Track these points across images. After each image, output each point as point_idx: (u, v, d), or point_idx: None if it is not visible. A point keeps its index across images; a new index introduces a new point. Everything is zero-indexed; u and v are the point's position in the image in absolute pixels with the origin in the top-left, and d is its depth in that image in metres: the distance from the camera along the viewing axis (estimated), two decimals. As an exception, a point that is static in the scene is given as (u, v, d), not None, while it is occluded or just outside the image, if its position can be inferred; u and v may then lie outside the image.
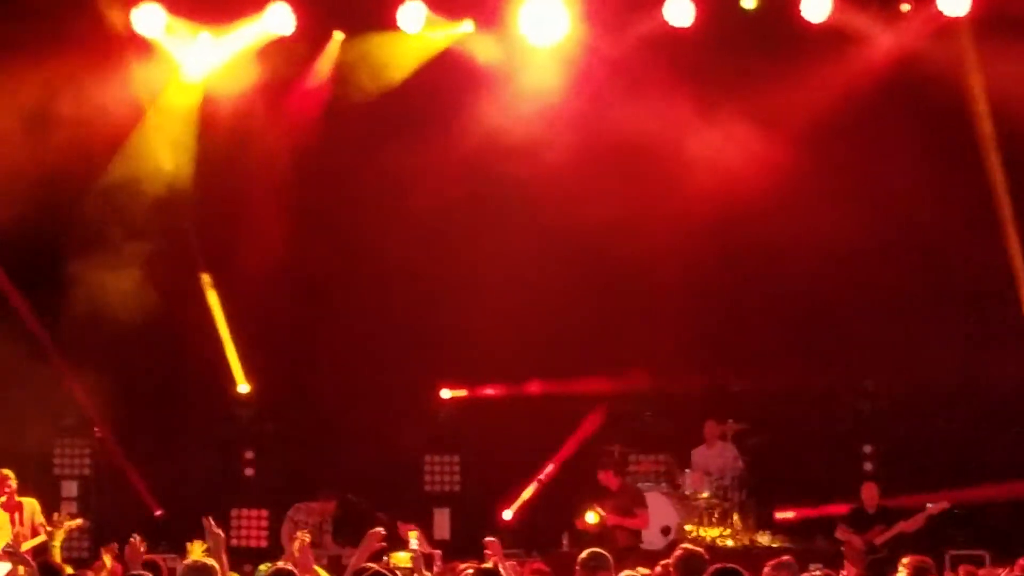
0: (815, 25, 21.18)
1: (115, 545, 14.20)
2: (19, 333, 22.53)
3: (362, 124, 22.11)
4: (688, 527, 20.93)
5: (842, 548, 19.59)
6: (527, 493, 22.06)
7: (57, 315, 23.50)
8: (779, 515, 21.81)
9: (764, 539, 21.25)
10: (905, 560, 13.05)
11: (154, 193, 22.56)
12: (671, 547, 15.95)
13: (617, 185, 21.91)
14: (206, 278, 23.23)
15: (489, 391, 23.36)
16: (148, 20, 21.34)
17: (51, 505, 20.73)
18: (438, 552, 13.92)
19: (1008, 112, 20.83)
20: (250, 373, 23.61)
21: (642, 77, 21.47)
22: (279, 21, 21.55)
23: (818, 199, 21.50)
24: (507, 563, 12.37)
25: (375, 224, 22.28)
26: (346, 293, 23.18)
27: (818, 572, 12.75)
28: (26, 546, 17.31)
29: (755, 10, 21.47)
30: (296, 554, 11.86)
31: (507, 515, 22.91)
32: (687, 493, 21.40)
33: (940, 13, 20.96)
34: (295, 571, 10.49)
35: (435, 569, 11.39)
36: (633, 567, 11.70)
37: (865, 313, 22.30)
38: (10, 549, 12.36)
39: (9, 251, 22.00)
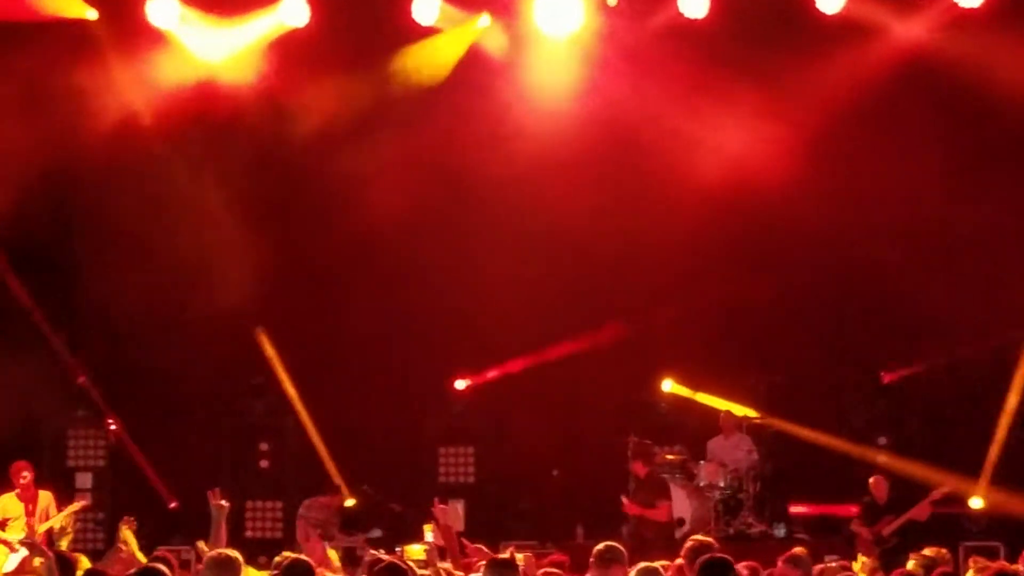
0: (830, 16, 21.11)
1: (133, 519, 14.25)
2: (32, 325, 22.58)
3: (371, 117, 22.10)
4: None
5: (855, 540, 19.64)
6: None
7: (71, 306, 23.56)
8: (793, 509, 21.78)
9: (779, 531, 21.22)
10: (926, 551, 13.08)
11: (168, 181, 22.63)
12: (685, 539, 15.90)
13: (631, 175, 21.93)
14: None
15: (505, 375, 23.28)
16: (162, 11, 21.33)
17: (65, 496, 20.84)
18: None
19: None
20: (265, 365, 23.63)
21: (656, 68, 21.43)
22: (293, 12, 21.54)
23: (834, 190, 21.49)
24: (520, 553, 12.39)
25: (387, 217, 22.24)
26: (359, 285, 23.17)
27: (833, 563, 12.73)
28: (41, 528, 17.42)
29: (770, 1, 21.43)
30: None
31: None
32: (702, 484, 21.39)
33: (955, 4, 20.91)
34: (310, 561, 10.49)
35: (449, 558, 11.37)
36: (655, 558, 11.68)
37: (881, 304, 22.25)
38: (28, 541, 12.40)
39: (21, 244, 22.01)
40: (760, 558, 12.83)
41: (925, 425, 22.44)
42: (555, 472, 23.22)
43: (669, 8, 21.36)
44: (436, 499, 13.33)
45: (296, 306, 23.19)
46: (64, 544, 18.22)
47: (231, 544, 11.52)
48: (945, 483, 19.87)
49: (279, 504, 23.47)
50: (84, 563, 12.94)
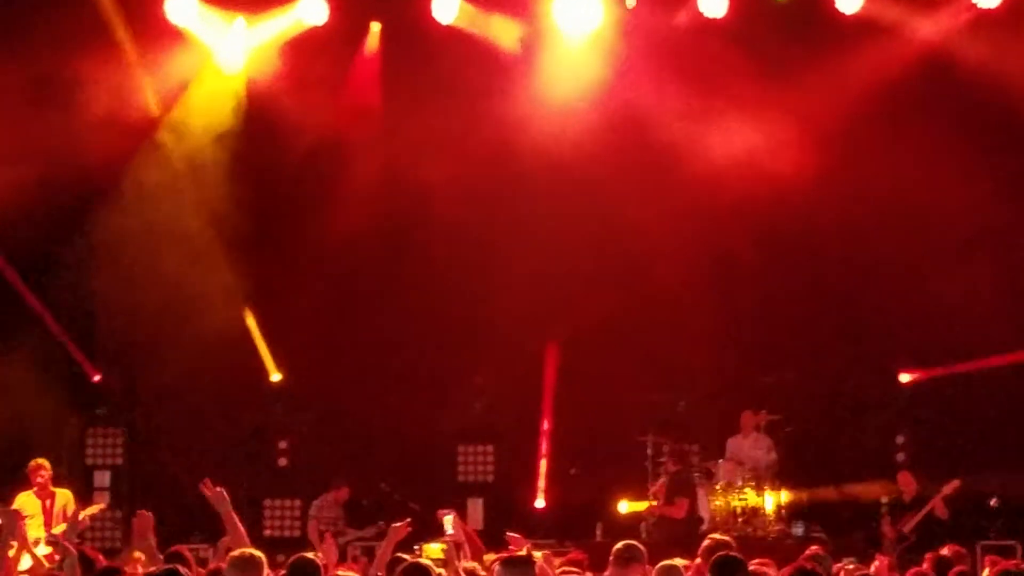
0: (848, 16, 21.10)
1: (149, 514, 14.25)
2: (47, 325, 22.66)
3: (392, 114, 22.12)
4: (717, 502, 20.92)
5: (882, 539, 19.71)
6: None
7: (89, 307, 23.61)
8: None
9: (797, 530, 21.17)
10: (943, 551, 13.07)
11: (186, 181, 22.68)
12: (703, 537, 15.91)
13: (648, 174, 21.89)
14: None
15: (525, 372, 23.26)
16: (181, 9, 21.36)
17: (84, 495, 20.90)
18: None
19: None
20: (284, 363, 23.65)
21: (675, 68, 21.43)
22: (312, 10, 21.57)
23: (852, 190, 21.47)
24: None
25: (406, 214, 22.27)
26: (378, 282, 23.19)
27: (851, 565, 12.71)
28: (56, 530, 17.45)
29: (788, 1, 21.41)
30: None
31: (539, 503, 22.98)
32: (720, 483, 21.36)
33: (973, 4, 20.87)
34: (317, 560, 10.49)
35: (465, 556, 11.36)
36: (673, 555, 11.70)
37: (899, 302, 22.19)
38: (52, 539, 12.42)
39: (31, 244, 22.05)
40: (778, 557, 12.83)
41: (943, 424, 22.36)
42: (573, 471, 23.21)
43: (688, 7, 21.36)
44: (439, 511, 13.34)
45: (314, 304, 23.19)
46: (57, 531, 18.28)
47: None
48: (959, 481, 19.88)
49: (297, 503, 23.50)
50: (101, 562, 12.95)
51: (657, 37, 21.57)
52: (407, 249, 22.88)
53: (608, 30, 21.56)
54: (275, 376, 23.77)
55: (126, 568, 12.45)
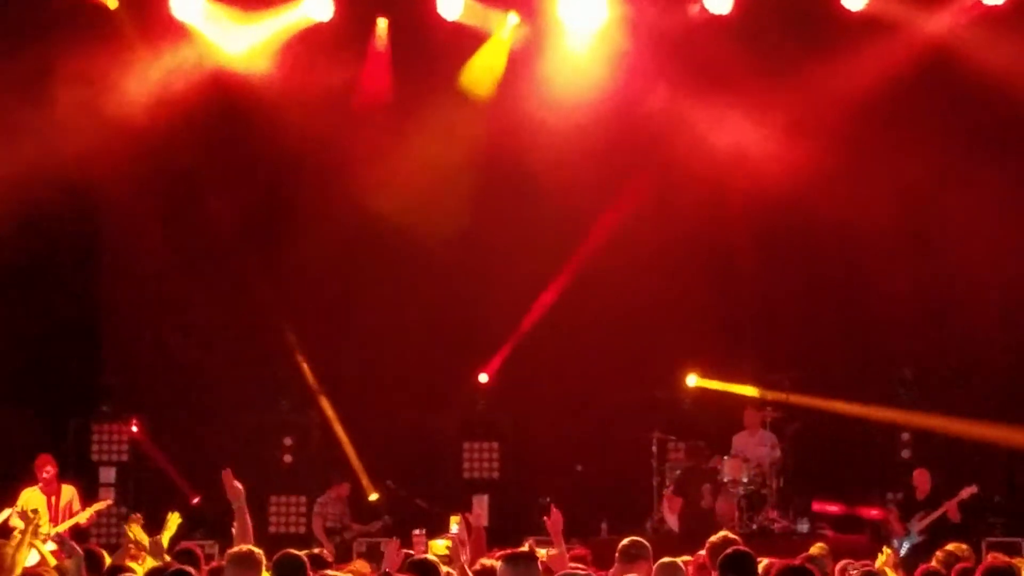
0: (853, 13, 21.08)
1: (139, 515, 14.28)
2: (57, 319, 22.67)
3: (395, 111, 22.11)
4: None
5: (887, 532, 19.69)
6: None
7: (95, 304, 23.61)
8: (816, 507, 21.73)
9: (802, 527, 21.17)
10: (948, 547, 13.05)
11: (192, 173, 22.70)
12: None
13: (653, 170, 21.89)
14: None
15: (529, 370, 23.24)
16: (186, 5, 21.35)
17: (89, 491, 20.92)
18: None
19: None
20: (290, 360, 23.66)
21: (680, 64, 21.43)
22: (317, 7, 21.56)
23: (856, 187, 21.44)
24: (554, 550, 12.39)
25: (410, 212, 22.25)
26: (383, 280, 23.18)
27: (855, 573, 12.62)
28: (58, 529, 17.46)
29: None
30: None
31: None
32: (725, 480, 21.35)
33: (979, 1, 20.85)
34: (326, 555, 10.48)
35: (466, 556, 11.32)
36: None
37: (902, 300, 22.17)
38: (58, 537, 12.40)
39: (45, 239, 22.06)
40: (783, 554, 12.80)
41: (947, 419, 22.32)
42: (579, 467, 23.20)
43: (693, 4, 21.35)
44: (467, 514, 13.31)
45: (319, 301, 23.21)
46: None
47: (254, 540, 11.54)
48: (976, 487, 19.86)
49: (303, 499, 23.49)
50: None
51: (662, 33, 21.54)
52: (411, 245, 22.85)
53: (613, 26, 21.54)
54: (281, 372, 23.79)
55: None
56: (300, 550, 11.24)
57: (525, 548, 10.82)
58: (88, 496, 20.20)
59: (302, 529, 23.19)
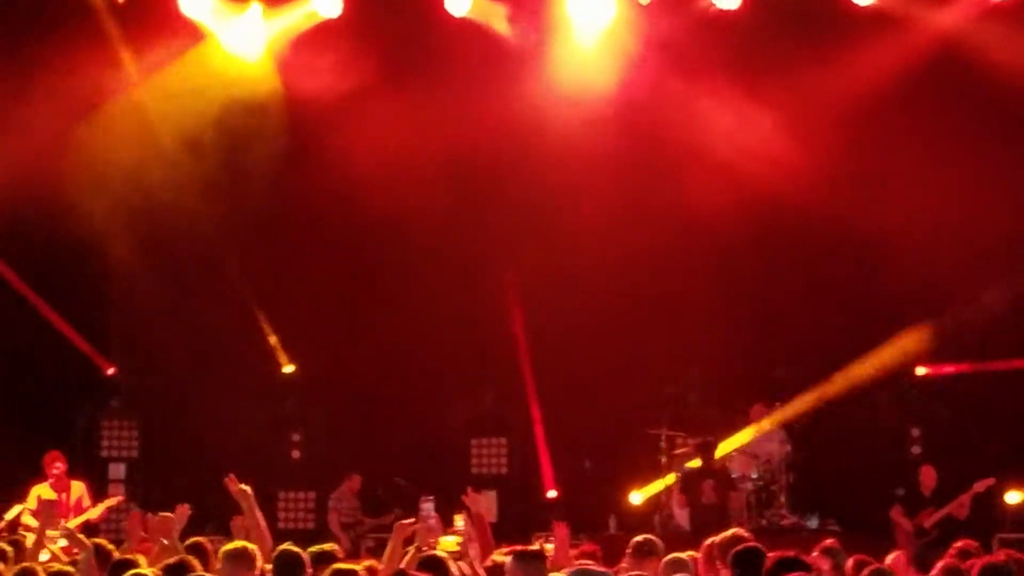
0: (862, 8, 21.07)
1: (138, 513, 14.32)
2: (65, 315, 22.70)
3: (399, 109, 22.11)
4: None
5: (895, 530, 19.66)
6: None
7: (104, 299, 23.64)
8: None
9: (811, 522, 21.17)
10: (959, 544, 13.03)
11: (199, 175, 22.71)
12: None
13: (660, 167, 21.88)
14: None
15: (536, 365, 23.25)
16: (194, 2, 21.36)
17: (99, 487, 20.94)
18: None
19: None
20: (296, 355, 23.68)
21: (688, 61, 21.41)
22: (326, 3, 21.57)
23: (865, 183, 21.43)
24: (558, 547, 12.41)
25: (415, 209, 22.24)
26: (389, 277, 23.19)
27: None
28: (70, 525, 17.47)
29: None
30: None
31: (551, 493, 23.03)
32: (734, 476, 21.37)
33: (987, -4, 20.88)
34: (339, 552, 10.49)
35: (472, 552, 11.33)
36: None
37: (912, 296, 22.14)
38: (67, 532, 12.43)
39: (54, 235, 22.08)
40: (792, 549, 12.77)
41: (958, 418, 22.31)
42: (587, 463, 23.21)
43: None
44: (469, 488, 13.30)
45: (325, 298, 23.22)
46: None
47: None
48: (993, 479, 19.81)
49: (311, 495, 23.54)
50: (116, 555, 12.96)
51: (670, 29, 21.52)
52: (419, 241, 22.86)
53: (621, 23, 21.53)
54: (287, 368, 23.79)
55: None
56: (310, 546, 11.28)
57: (535, 546, 10.83)
58: (98, 492, 20.23)
59: (311, 524, 23.22)
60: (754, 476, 21.23)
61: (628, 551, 11.26)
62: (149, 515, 13.69)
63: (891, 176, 21.47)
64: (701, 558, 11.41)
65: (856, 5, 21.02)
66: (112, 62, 21.43)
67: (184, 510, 12.22)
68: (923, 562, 15.35)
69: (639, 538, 11.33)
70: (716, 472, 21.01)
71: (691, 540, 15.71)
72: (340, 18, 21.74)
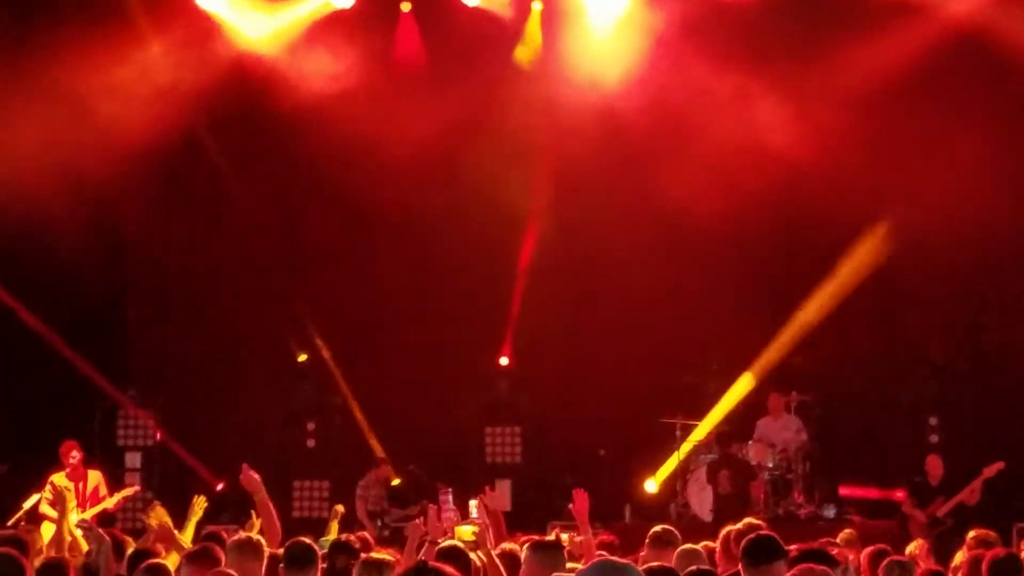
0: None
1: (156, 503, 14.32)
2: (83, 305, 22.73)
3: (418, 96, 22.09)
4: None
5: (907, 522, 19.62)
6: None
7: (122, 288, 23.67)
8: (843, 491, 21.68)
9: (828, 512, 21.13)
10: (971, 534, 12.99)
11: (215, 161, 22.75)
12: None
13: (676, 155, 21.80)
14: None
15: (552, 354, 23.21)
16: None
17: (115, 476, 20.97)
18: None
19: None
20: (312, 345, 23.69)
21: (704, 48, 21.37)
22: (339, -6, 21.63)
23: (883, 170, 21.36)
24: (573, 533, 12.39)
25: (432, 196, 22.25)
26: (404, 264, 23.19)
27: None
28: (86, 515, 17.50)
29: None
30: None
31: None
32: (750, 464, 21.33)
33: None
34: (356, 545, 10.49)
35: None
36: None
37: (931, 284, 22.09)
38: (85, 525, 12.43)
39: (72, 226, 22.10)
40: (809, 539, 12.77)
41: (977, 405, 22.26)
42: (602, 452, 23.19)
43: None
44: (487, 488, 13.28)
45: (341, 286, 23.22)
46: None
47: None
48: (1003, 463, 19.76)
49: (326, 483, 23.54)
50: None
51: (687, 16, 21.47)
52: (434, 229, 22.86)
53: (638, 9, 21.49)
54: (302, 357, 23.80)
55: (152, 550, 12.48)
56: (320, 536, 11.28)
57: (551, 536, 10.82)
58: (114, 481, 20.26)
59: (325, 514, 23.19)
60: (770, 465, 21.18)
61: (647, 541, 11.24)
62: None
63: (911, 163, 21.36)
64: (719, 548, 11.40)
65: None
66: (128, 54, 21.41)
67: (201, 501, 12.22)
68: (941, 551, 15.36)
69: (657, 528, 11.32)
70: (732, 461, 20.96)
71: (708, 530, 15.73)
72: (353, 8, 21.71)
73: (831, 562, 9.25)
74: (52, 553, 12.46)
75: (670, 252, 22.27)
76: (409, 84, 22.42)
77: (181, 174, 22.87)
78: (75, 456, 18.96)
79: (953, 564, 12.72)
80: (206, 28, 21.76)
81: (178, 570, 10.23)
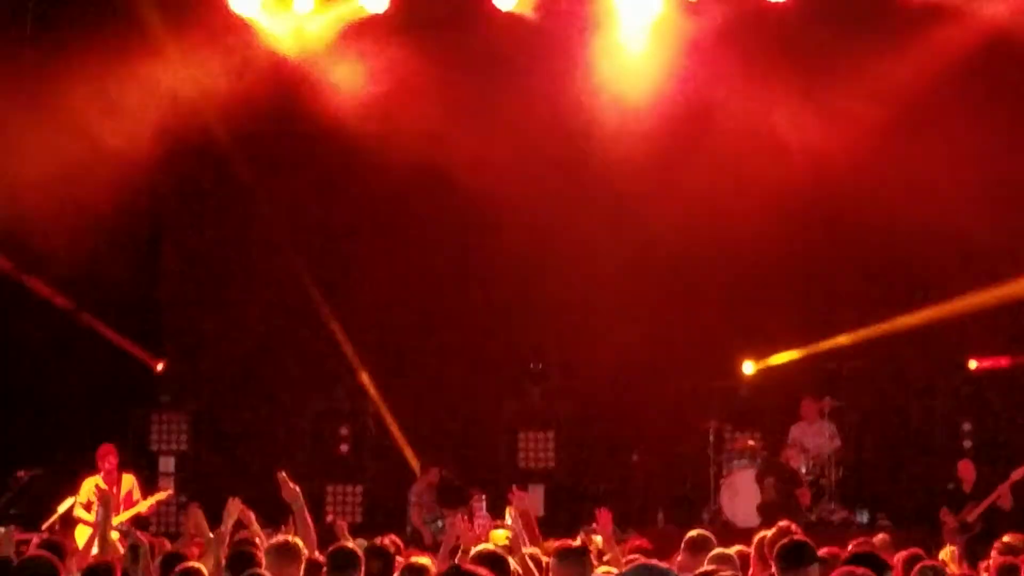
0: (913, -3, 20.99)
1: (196, 506, 14.35)
2: (117, 309, 22.83)
3: (450, 100, 22.12)
4: None
5: (941, 528, 19.59)
6: None
7: (155, 293, 23.76)
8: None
9: (861, 517, 21.09)
10: (1005, 538, 12.95)
11: (249, 166, 22.82)
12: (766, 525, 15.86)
13: (709, 160, 21.79)
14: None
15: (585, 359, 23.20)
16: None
17: (149, 481, 21.04)
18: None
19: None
20: (346, 351, 23.74)
21: (738, 52, 21.33)
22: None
23: (919, 175, 21.27)
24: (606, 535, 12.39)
25: (466, 201, 22.26)
26: (439, 269, 23.23)
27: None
28: (119, 519, 17.58)
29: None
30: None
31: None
32: (797, 471, 21.25)
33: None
34: (390, 549, 10.52)
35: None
36: None
37: (965, 290, 21.99)
38: (123, 528, 12.47)
39: (106, 231, 22.20)
40: (842, 545, 12.77)
41: (1012, 412, 22.18)
42: (635, 457, 23.18)
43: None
44: (514, 487, 13.29)
45: (375, 291, 23.26)
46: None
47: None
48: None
49: (359, 488, 23.58)
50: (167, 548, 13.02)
51: (719, 21, 21.44)
52: (469, 234, 22.89)
53: (670, 14, 21.47)
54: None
55: (187, 552, 12.52)
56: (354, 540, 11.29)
57: (576, 542, 10.82)
58: (148, 485, 20.33)
59: (359, 519, 23.25)
60: (803, 471, 21.15)
61: (683, 545, 11.26)
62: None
63: (947, 166, 21.27)
64: (753, 553, 11.40)
65: (906, -6, 20.93)
66: (156, 59, 21.48)
67: (236, 503, 12.25)
68: (972, 556, 15.31)
69: (693, 533, 11.34)
70: (779, 468, 20.87)
71: (741, 535, 15.70)
72: (386, 13, 21.73)
73: (881, 566, 9.28)
74: (90, 556, 12.52)
75: (704, 256, 22.26)
76: (443, 91, 22.42)
77: (216, 180, 22.93)
78: (110, 460, 19.04)
79: (982, 568, 12.69)
80: (239, 34, 21.78)
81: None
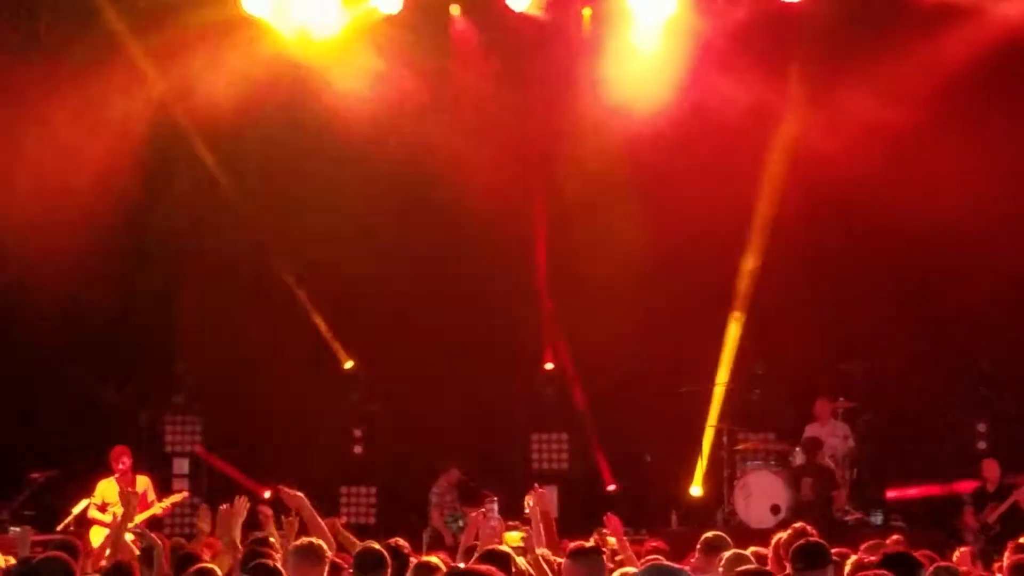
0: (929, -2, 20.98)
1: (207, 508, 14.37)
2: (130, 312, 22.88)
3: (460, 102, 22.12)
4: None
5: (961, 529, 19.57)
6: None
7: (169, 295, 23.78)
8: (891, 494, 21.61)
9: (876, 518, 21.07)
10: (1022, 539, 12.92)
11: (261, 168, 22.86)
12: (780, 526, 15.87)
13: (728, 163, 21.78)
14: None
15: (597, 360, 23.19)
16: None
17: (163, 482, 21.07)
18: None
19: None
20: (358, 352, 23.74)
21: (753, 52, 21.33)
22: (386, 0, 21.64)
23: (935, 175, 21.24)
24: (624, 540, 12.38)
25: (476, 202, 22.24)
26: (450, 271, 23.21)
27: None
28: (136, 519, 17.60)
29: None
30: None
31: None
32: (833, 472, 21.19)
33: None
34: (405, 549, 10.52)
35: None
36: None
37: (981, 291, 21.96)
38: (139, 529, 12.49)
39: (121, 235, 22.26)
40: (856, 545, 12.77)
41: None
42: (648, 458, 23.17)
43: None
44: (535, 484, 13.26)
45: (387, 293, 23.25)
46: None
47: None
48: None
49: (373, 489, 23.62)
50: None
51: (731, 21, 21.45)
52: (479, 236, 22.87)
53: (683, 15, 21.47)
54: (348, 364, 23.86)
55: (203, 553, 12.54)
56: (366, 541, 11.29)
57: (590, 542, 10.80)
58: (162, 487, 20.37)
59: (372, 520, 23.28)
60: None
61: (698, 547, 11.25)
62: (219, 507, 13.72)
63: (963, 170, 21.24)
64: (770, 554, 11.40)
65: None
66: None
67: (243, 502, 12.25)
68: (987, 557, 15.28)
69: (709, 534, 11.34)
70: (816, 469, 20.81)
71: (755, 536, 15.70)
72: (400, 13, 21.74)
73: (915, 567, 9.33)
74: (105, 556, 12.53)
75: (718, 259, 22.24)
76: (455, 91, 22.44)
77: (231, 181, 22.94)
78: (124, 462, 19.09)
79: (996, 568, 12.68)
80: (254, 35, 21.82)
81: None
